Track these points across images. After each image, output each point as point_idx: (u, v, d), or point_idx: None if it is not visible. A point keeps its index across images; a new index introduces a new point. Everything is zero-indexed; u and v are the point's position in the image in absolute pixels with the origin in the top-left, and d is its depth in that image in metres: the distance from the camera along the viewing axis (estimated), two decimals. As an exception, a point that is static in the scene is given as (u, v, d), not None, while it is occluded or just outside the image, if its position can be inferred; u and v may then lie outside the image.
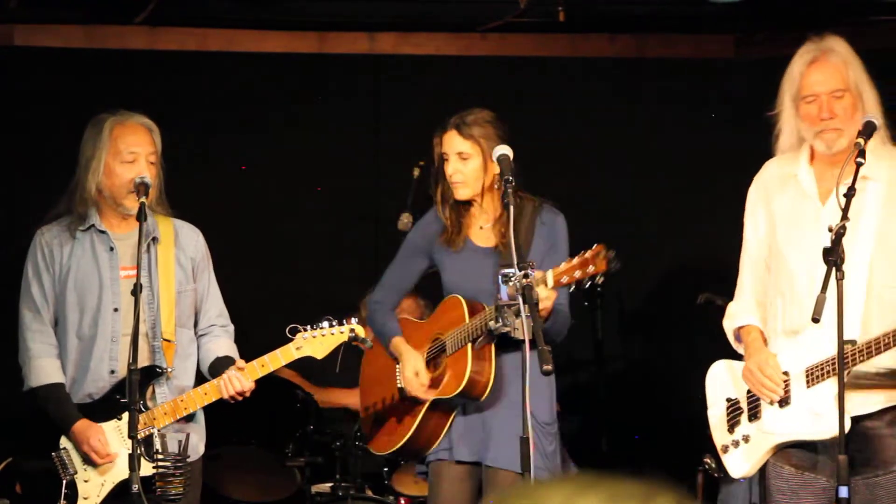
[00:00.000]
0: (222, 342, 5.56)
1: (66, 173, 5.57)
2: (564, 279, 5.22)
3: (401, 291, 5.80)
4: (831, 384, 4.74)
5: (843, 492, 4.57)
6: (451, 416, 5.57)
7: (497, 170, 5.42)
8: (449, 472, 5.57)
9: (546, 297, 5.20)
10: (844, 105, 4.77)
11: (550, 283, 5.20)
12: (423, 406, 5.57)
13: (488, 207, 5.60)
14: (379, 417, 5.80)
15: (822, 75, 4.78)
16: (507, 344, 5.44)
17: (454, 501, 5.57)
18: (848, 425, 4.67)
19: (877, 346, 4.65)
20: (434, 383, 5.56)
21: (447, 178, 5.56)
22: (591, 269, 5.18)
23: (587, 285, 5.23)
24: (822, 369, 4.76)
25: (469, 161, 5.52)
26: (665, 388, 7.65)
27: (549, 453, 5.51)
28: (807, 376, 4.80)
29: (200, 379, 5.51)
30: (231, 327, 5.64)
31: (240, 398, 5.39)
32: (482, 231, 5.62)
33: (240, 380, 5.35)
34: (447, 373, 5.53)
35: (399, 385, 5.65)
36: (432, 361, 5.61)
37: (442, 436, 5.58)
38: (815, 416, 4.77)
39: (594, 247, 5.21)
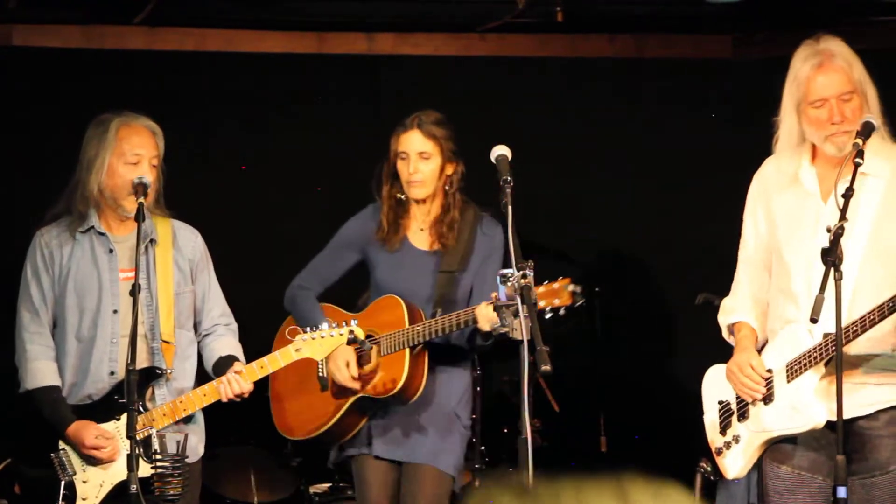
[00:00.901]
0: (226, 341, 5.58)
1: (65, 174, 5.57)
2: None
3: (326, 282, 5.78)
4: (810, 376, 4.77)
5: (842, 492, 4.58)
6: (367, 415, 5.64)
7: (449, 171, 5.57)
8: (372, 466, 5.66)
9: (492, 319, 5.21)
10: (853, 107, 4.78)
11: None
12: (347, 400, 5.61)
13: (432, 209, 5.66)
14: (290, 400, 5.79)
15: (830, 79, 4.78)
16: (441, 350, 5.55)
17: (382, 495, 5.66)
18: (824, 419, 4.72)
19: (862, 325, 4.65)
20: (363, 380, 5.58)
21: (404, 177, 5.61)
22: (556, 301, 5.18)
23: (547, 316, 5.21)
24: (800, 363, 4.78)
25: (429, 161, 5.60)
26: (663, 388, 7.65)
27: (463, 454, 5.68)
28: (787, 371, 4.82)
29: (201, 380, 5.51)
30: (235, 325, 5.66)
31: (238, 400, 5.40)
32: (421, 233, 5.68)
33: (238, 382, 5.35)
34: (379, 373, 5.57)
35: (320, 374, 5.66)
36: (362, 356, 5.63)
37: (357, 429, 5.65)
38: (794, 409, 4.79)
39: (560, 279, 5.21)
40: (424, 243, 5.68)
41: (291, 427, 5.82)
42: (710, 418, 5.11)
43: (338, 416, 5.64)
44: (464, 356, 5.70)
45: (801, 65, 4.81)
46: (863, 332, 4.66)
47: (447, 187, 5.64)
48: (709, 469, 6.22)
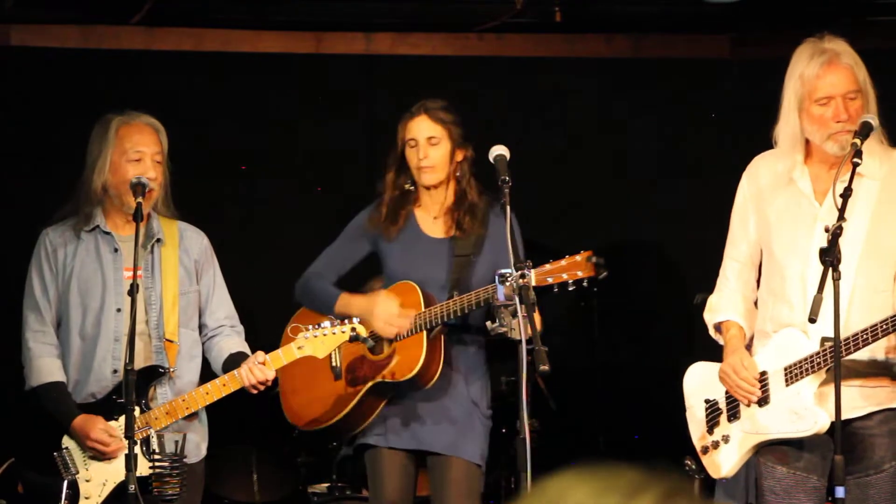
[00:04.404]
0: (234, 340, 5.58)
1: (64, 173, 5.58)
2: (549, 279, 5.23)
3: (339, 271, 5.76)
4: (810, 382, 4.77)
5: (840, 492, 4.59)
6: (384, 401, 5.59)
7: (459, 158, 5.54)
8: (387, 458, 5.60)
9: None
10: (857, 107, 4.78)
11: (533, 281, 5.21)
12: (360, 388, 5.58)
13: (443, 196, 5.63)
14: (302, 390, 5.75)
15: (838, 77, 4.78)
16: (457, 336, 5.52)
17: (398, 486, 5.60)
18: (828, 423, 4.72)
19: (854, 343, 4.65)
20: (378, 366, 5.56)
21: (414, 164, 5.59)
22: (578, 273, 5.20)
23: (571, 289, 5.23)
24: (800, 367, 4.78)
25: (438, 146, 5.58)
26: (661, 388, 7.65)
27: (487, 443, 5.62)
28: (785, 375, 4.82)
29: (205, 381, 5.50)
30: (241, 328, 5.65)
31: (262, 388, 5.38)
32: (435, 221, 5.65)
33: (262, 370, 5.35)
34: (395, 357, 5.54)
35: (333, 364, 5.63)
36: (377, 343, 5.60)
37: (371, 418, 5.60)
38: (795, 414, 4.80)
39: (583, 251, 5.22)
40: (438, 231, 5.65)
41: (305, 418, 5.75)
42: (695, 416, 5.11)
43: (353, 402, 5.58)
44: (479, 346, 5.67)
45: (808, 62, 4.79)
46: (874, 340, 4.66)
47: (458, 173, 5.62)
48: (693, 467, 6.22)
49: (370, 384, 5.57)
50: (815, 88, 4.78)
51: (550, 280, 5.22)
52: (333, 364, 5.64)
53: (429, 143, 5.59)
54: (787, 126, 4.85)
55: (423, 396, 5.56)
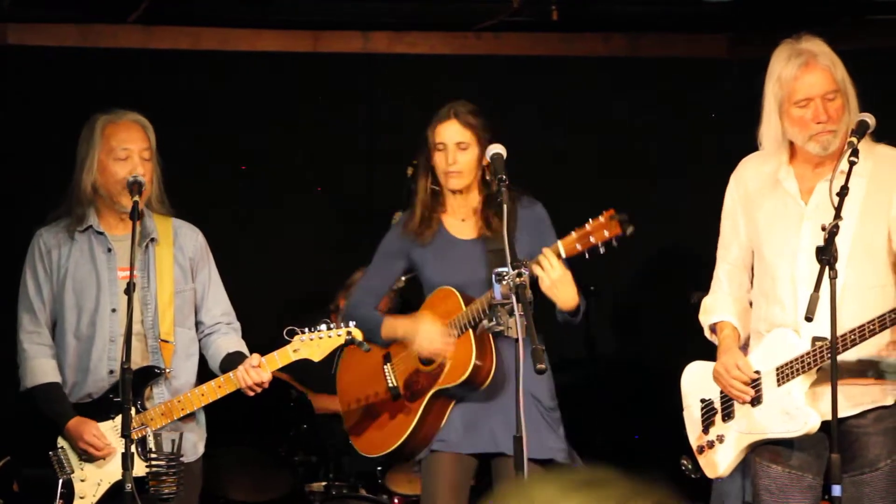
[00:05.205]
0: (232, 338, 5.57)
1: (61, 173, 5.57)
2: (578, 247, 5.20)
3: (379, 295, 5.75)
4: (801, 382, 4.77)
5: (836, 490, 4.59)
6: (448, 409, 5.52)
7: (486, 162, 5.45)
8: (446, 463, 5.51)
9: (555, 268, 5.18)
10: (836, 106, 4.77)
11: (563, 252, 5.19)
12: (421, 401, 5.53)
13: (471, 200, 5.59)
14: (367, 420, 5.72)
15: (815, 78, 4.77)
16: (504, 336, 5.45)
17: (453, 493, 5.52)
18: (818, 423, 4.73)
19: (843, 343, 4.64)
20: (432, 375, 5.52)
21: (441, 168, 5.54)
22: (606, 233, 5.18)
23: (602, 251, 5.21)
24: (792, 367, 4.78)
25: (467, 151, 5.52)
26: (659, 388, 7.64)
27: (562, 436, 5.51)
28: (777, 374, 4.82)
29: (202, 379, 5.49)
30: (237, 325, 5.64)
31: (258, 389, 5.37)
32: (463, 223, 5.60)
33: (258, 372, 5.33)
34: (447, 362, 5.47)
35: (390, 384, 5.62)
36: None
37: (442, 423, 5.52)
38: (786, 414, 4.80)
39: (605, 211, 5.21)
40: (468, 233, 5.58)
41: (377, 444, 5.67)
42: (691, 415, 5.11)
43: (418, 415, 5.51)
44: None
45: (785, 64, 4.79)
46: (861, 341, 4.65)
47: (487, 176, 5.53)
48: (689, 466, 6.22)
49: (430, 394, 5.51)
50: (794, 91, 4.77)
51: (580, 247, 5.20)
52: (390, 385, 5.61)
53: (458, 148, 5.51)
54: (770, 128, 4.85)
55: (481, 397, 5.46)
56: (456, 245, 5.58)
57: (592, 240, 5.19)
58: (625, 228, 5.18)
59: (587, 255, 5.22)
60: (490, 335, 5.41)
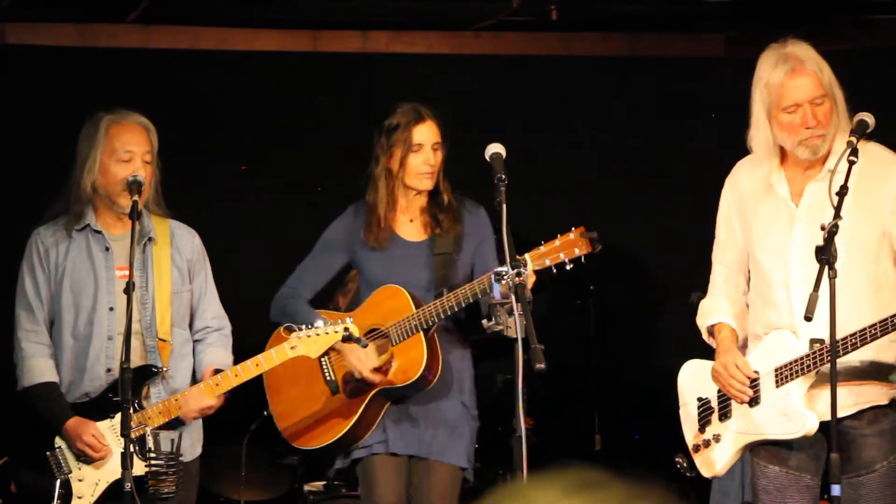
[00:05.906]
0: (215, 352, 5.55)
1: (59, 172, 5.57)
2: (547, 261, 5.23)
3: (315, 287, 5.76)
4: (800, 384, 4.77)
5: (836, 490, 4.59)
6: (385, 407, 5.58)
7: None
8: (386, 465, 5.58)
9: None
10: (824, 110, 4.78)
11: (531, 266, 5.20)
12: (363, 398, 5.56)
13: (421, 199, 5.65)
14: (300, 411, 5.71)
15: (803, 83, 4.77)
16: (446, 337, 5.52)
17: (393, 494, 5.58)
18: (816, 425, 4.73)
19: (844, 347, 4.64)
20: (380, 371, 5.54)
21: (416, 169, 5.59)
22: (576, 250, 5.20)
23: (568, 268, 5.23)
24: (791, 369, 4.78)
25: (438, 152, 5.63)
26: (658, 387, 7.64)
27: (472, 446, 5.64)
28: (776, 376, 4.82)
29: (198, 378, 5.50)
30: (227, 329, 5.63)
31: (202, 415, 5.38)
32: (411, 224, 5.66)
33: (195, 398, 5.35)
34: (395, 362, 5.53)
35: (327, 378, 5.62)
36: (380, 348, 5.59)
37: (374, 427, 5.58)
38: (784, 415, 4.80)
39: (573, 229, 5.22)
40: (415, 234, 5.67)
41: (308, 438, 5.70)
42: (688, 413, 5.11)
43: (358, 413, 5.55)
44: (466, 347, 5.67)
45: (772, 70, 4.79)
46: (862, 345, 4.65)
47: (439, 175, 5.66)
48: (685, 465, 6.22)
49: (372, 393, 5.55)
50: (782, 97, 4.78)
51: (548, 262, 5.22)
52: (327, 378, 5.62)
53: (433, 149, 5.62)
54: (759, 133, 4.86)
55: (419, 400, 5.55)
56: (402, 245, 5.64)
57: (561, 256, 5.21)
58: (595, 247, 5.21)
59: (554, 271, 5.24)
60: (436, 337, 5.50)
